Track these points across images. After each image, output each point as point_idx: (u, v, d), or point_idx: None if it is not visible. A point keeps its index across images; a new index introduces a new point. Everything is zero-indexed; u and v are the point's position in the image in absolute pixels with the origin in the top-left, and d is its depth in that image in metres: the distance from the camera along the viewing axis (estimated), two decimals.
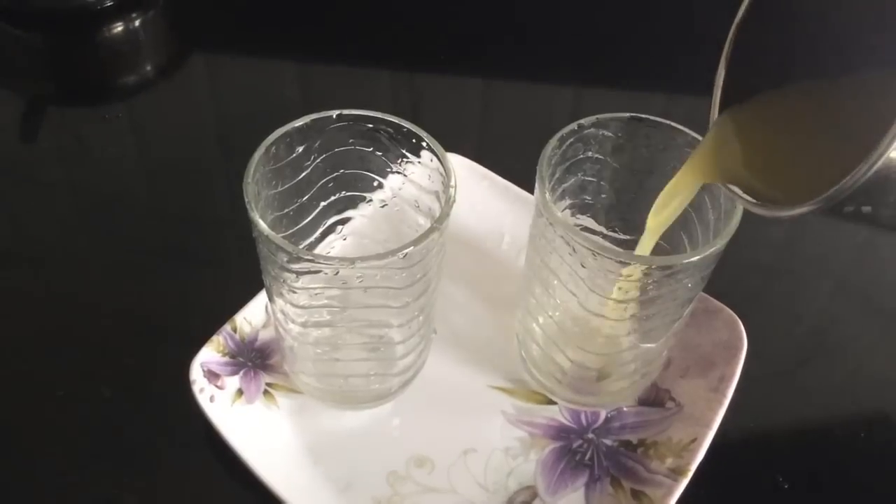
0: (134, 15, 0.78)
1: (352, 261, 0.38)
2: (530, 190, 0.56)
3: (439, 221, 0.40)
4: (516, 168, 0.57)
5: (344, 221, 0.49)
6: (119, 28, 0.78)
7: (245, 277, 0.53)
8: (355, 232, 0.49)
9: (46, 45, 0.80)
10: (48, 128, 0.72)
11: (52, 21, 0.79)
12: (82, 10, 0.78)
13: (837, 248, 0.62)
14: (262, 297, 0.52)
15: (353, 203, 0.49)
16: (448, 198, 0.41)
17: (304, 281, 0.41)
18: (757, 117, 0.38)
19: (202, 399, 0.47)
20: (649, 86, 0.71)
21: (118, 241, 0.62)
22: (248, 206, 0.39)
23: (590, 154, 0.45)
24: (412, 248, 0.39)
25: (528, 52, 0.78)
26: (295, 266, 0.39)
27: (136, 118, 0.72)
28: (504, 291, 0.55)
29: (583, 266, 0.40)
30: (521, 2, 0.85)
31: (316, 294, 0.42)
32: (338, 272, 0.39)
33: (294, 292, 0.42)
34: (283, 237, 0.40)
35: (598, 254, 0.40)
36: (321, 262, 0.38)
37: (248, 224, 0.39)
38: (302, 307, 0.42)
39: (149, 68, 0.79)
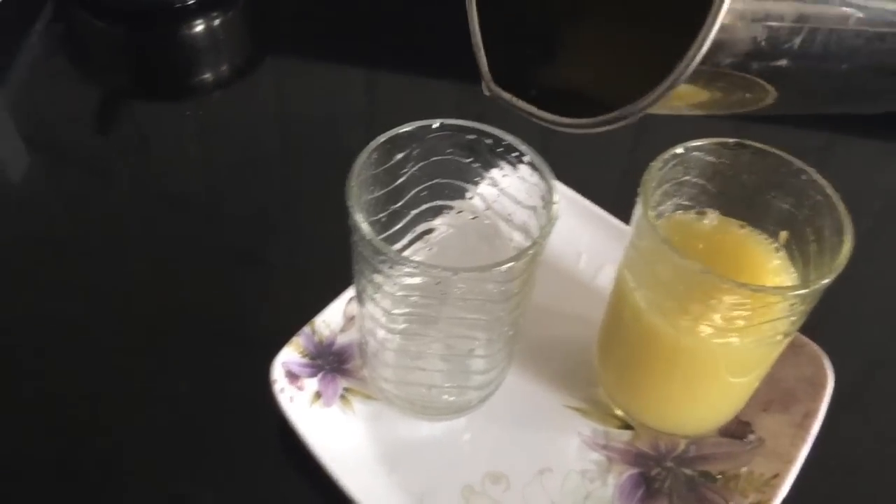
0: (214, 14, 0.78)
1: (455, 271, 0.37)
2: (604, 207, 0.57)
3: (542, 237, 0.39)
4: (586, 183, 0.57)
5: (431, 230, 0.48)
6: (200, 27, 0.78)
7: (321, 281, 0.54)
8: (442, 242, 0.49)
9: (128, 39, 0.80)
10: (123, 121, 0.73)
11: (135, 15, 0.80)
12: (165, 6, 0.79)
13: None
14: (340, 301, 0.53)
15: (443, 213, 0.48)
16: (550, 214, 0.40)
17: (401, 288, 0.40)
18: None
19: (282, 399, 0.47)
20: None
21: (197, 241, 0.62)
22: (350, 209, 0.39)
23: (689, 178, 0.44)
24: (514, 262, 0.39)
25: None
26: (395, 272, 0.38)
27: (209, 117, 0.72)
28: (581, 310, 0.55)
29: (682, 289, 0.39)
30: None
31: (411, 301, 0.41)
32: (439, 282, 0.38)
33: (388, 298, 0.41)
34: None
35: (701, 275, 0.39)
36: (424, 270, 0.37)
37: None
38: (394, 314, 0.42)
39: (224, 68, 0.79)
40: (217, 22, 0.78)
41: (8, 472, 0.47)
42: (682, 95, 0.28)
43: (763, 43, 0.27)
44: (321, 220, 0.62)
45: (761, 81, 0.29)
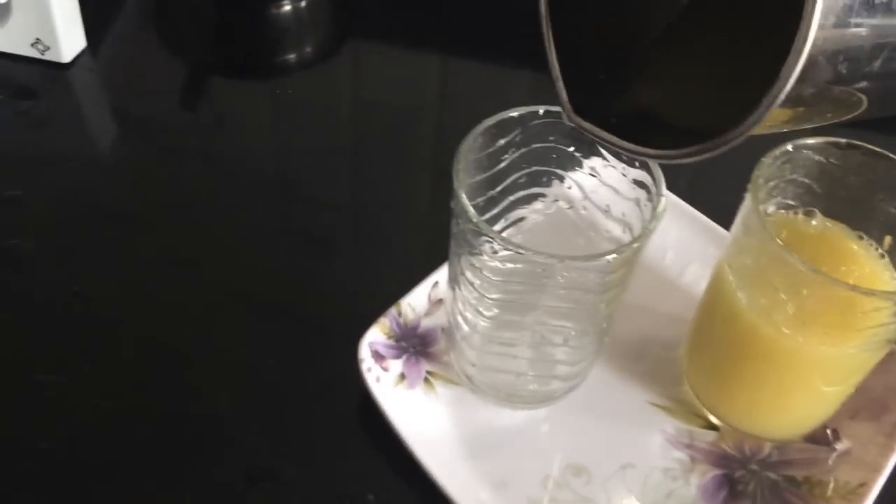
0: None
1: (560, 258, 0.37)
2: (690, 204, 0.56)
3: (649, 230, 0.38)
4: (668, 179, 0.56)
5: (523, 218, 0.48)
6: (287, 7, 0.78)
7: (401, 266, 0.55)
8: (534, 230, 0.48)
9: (216, 16, 0.80)
10: (206, 97, 0.73)
11: None
12: None
13: None
14: (424, 285, 0.52)
15: (538, 200, 0.48)
16: (657, 207, 0.39)
17: (500, 273, 0.39)
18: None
19: (369, 378, 0.47)
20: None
21: (277, 221, 0.63)
22: (456, 193, 0.39)
23: (795, 177, 0.43)
24: (619, 254, 0.38)
25: None
26: (496, 257, 0.38)
27: (290, 98, 0.72)
28: (667, 307, 0.54)
29: (789, 289, 0.38)
30: None
31: (509, 288, 0.40)
32: (542, 269, 0.37)
33: (486, 283, 0.41)
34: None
35: (811, 275, 0.38)
36: (529, 256, 0.37)
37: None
38: (490, 299, 0.41)
39: (308, 49, 0.79)
40: (304, 3, 0.78)
41: (98, 439, 0.48)
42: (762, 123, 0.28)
43: (844, 70, 0.27)
44: (400, 204, 0.63)
45: (843, 98, 0.28)
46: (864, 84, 0.28)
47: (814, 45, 0.25)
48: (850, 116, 0.30)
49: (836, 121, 0.30)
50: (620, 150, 0.34)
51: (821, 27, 0.25)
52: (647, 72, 0.35)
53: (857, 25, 0.26)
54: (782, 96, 0.26)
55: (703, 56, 0.33)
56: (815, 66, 0.26)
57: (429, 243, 0.59)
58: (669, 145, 0.32)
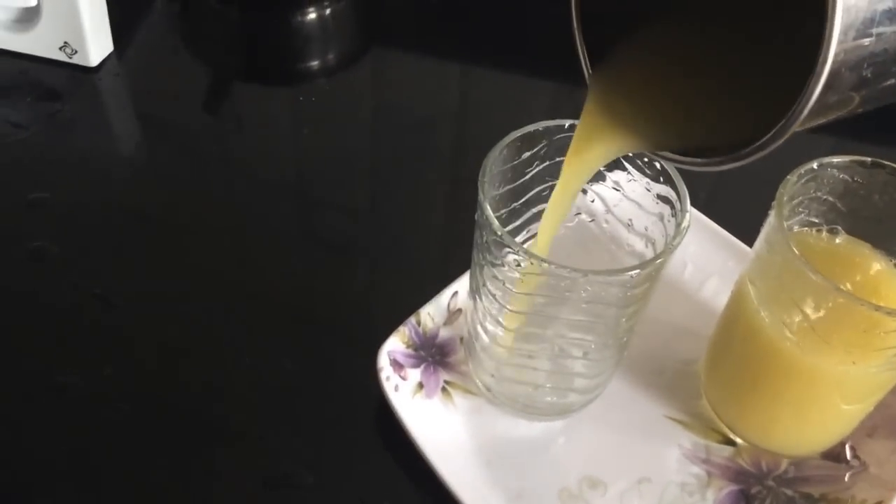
0: (327, 3, 0.78)
1: (584, 272, 0.37)
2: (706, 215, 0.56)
3: (674, 245, 0.38)
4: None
5: None
6: (311, 14, 0.78)
7: (419, 276, 0.55)
8: (557, 243, 0.48)
9: (241, 21, 0.81)
10: (229, 102, 0.73)
11: None
12: None
13: None
14: (444, 295, 0.52)
15: None
16: (681, 222, 0.39)
17: (524, 285, 0.39)
18: (642, 60, 0.35)
19: (388, 387, 0.47)
20: None
21: (297, 228, 0.63)
22: (481, 204, 0.39)
23: (820, 194, 0.42)
24: (643, 269, 0.39)
25: None
26: (521, 270, 0.38)
27: (312, 104, 0.73)
28: (685, 321, 0.54)
29: (813, 307, 0.38)
30: None
31: (531, 300, 0.40)
32: (565, 282, 0.37)
33: (508, 295, 0.40)
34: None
35: (835, 293, 0.38)
36: (552, 269, 0.37)
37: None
38: (513, 311, 0.41)
39: (331, 56, 0.79)
40: (328, 10, 0.78)
41: (116, 441, 0.48)
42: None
43: (869, 74, 0.27)
44: (419, 213, 0.63)
45: (872, 96, 0.28)
46: (890, 82, 0.27)
47: (834, 61, 0.25)
48: (881, 104, 0.30)
49: (862, 111, 0.30)
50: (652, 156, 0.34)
51: (840, 43, 0.24)
52: (673, 85, 0.35)
53: (881, 35, 0.25)
54: (802, 117, 0.26)
55: (725, 72, 0.33)
56: (839, 77, 0.26)
57: (448, 252, 0.59)
58: (691, 153, 0.33)
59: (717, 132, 0.32)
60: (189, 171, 0.65)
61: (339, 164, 0.67)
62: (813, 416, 0.45)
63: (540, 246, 0.41)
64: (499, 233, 0.37)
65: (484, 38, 0.79)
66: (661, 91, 0.34)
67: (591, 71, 0.36)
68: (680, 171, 0.41)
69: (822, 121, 0.28)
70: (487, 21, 0.81)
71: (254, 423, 0.49)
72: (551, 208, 0.40)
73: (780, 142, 0.28)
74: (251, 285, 0.57)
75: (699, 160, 0.32)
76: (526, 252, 0.37)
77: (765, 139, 0.28)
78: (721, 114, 0.32)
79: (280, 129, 0.70)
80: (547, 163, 0.45)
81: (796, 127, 0.27)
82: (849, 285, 0.40)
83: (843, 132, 0.66)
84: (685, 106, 0.33)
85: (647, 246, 0.44)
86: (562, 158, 0.43)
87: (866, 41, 0.25)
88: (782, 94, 0.27)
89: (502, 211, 0.45)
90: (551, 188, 0.44)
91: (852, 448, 0.48)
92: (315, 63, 0.78)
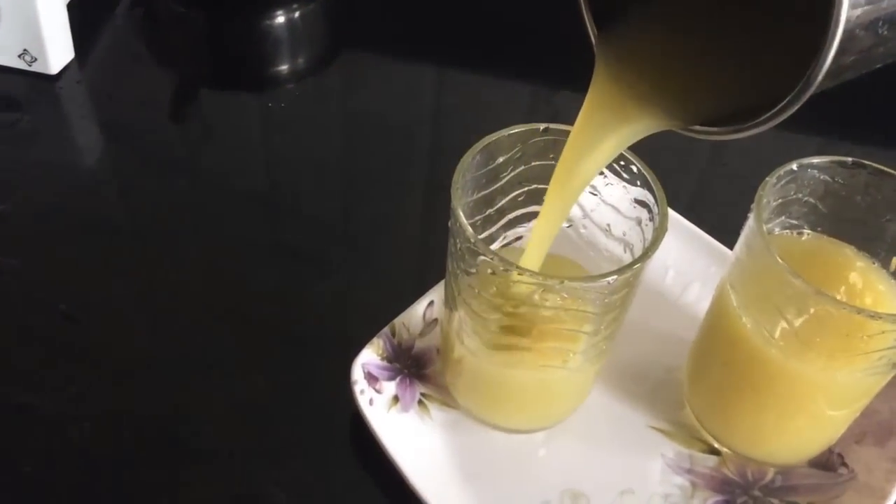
0: (295, 6, 0.78)
1: (560, 280, 0.37)
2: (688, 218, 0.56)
3: (652, 250, 0.38)
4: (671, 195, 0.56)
5: (522, 237, 0.48)
6: (280, 18, 0.78)
7: (394, 285, 0.55)
8: None
9: (207, 26, 0.80)
10: (195, 110, 0.73)
11: (216, 3, 0.80)
12: None
13: None
14: (420, 304, 0.52)
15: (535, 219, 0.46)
16: (659, 226, 0.39)
17: (500, 294, 0.39)
18: (653, 29, 0.35)
19: (362, 401, 0.47)
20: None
21: (268, 238, 0.63)
22: (454, 211, 0.39)
23: (799, 196, 0.43)
24: (620, 275, 0.38)
25: None
26: (497, 278, 0.38)
27: (281, 111, 0.72)
28: (668, 328, 0.54)
29: (794, 312, 0.38)
30: None
31: (510, 310, 0.40)
32: (541, 290, 0.37)
33: (484, 304, 0.40)
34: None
35: (816, 297, 0.38)
36: (529, 277, 0.37)
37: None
38: (487, 320, 0.41)
39: (300, 61, 0.79)
40: (297, 13, 0.78)
41: (81, 462, 0.48)
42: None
43: (885, 32, 0.27)
44: (393, 221, 0.63)
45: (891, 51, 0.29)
46: None
47: (847, 22, 0.25)
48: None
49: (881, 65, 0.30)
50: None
51: (853, 6, 0.25)
52: (685, 50, 0.35)
53: None
54: (818, 81, 0.27)
55: (740, 36, 0.33)
56: (853, 39, 0.26)
57: (423, 260, 0.59)
58: (707, 123, 0.33)
59: (734, 99, 0.32)
60: (155, 181, 0.65)
61: (310, 171, 0.67)
62: (798, 422, 0.45)
63: (531, 257, 0.41)
64: (472, 240, 0.37)
65: (458, 41, 0.80)
66: (676, 59, 0.34)
67: (597, 40, 0.36)
68: (657, 173, 0.41)
69: (842, 79, 0.28)
70: (462, 23, 0.81)
71: (223, 441, 0.49)
72: (545, 216, 0.41)
73: (798, 106, 0.28)
74: (220, 298, 0.56)
75: (714, 129, 0.33)
76: (501, 260, 0.37)
77: (782, 104, 0.28)
78: (738, 79, 0.33)
79: (249, 137, 0.70)
80: (522, 167, 0.44)
81: (814, 90, 0.27)
82: (831, 289, 0.40)
83: (829, 131, 0.67)
84: (701, 73, 0.34)
85: (625, 251, 0.44)
86: (538, 163, 0.43)
87: (884, 2, 0.26)
88: (800, 56, 0.27)
89: (477, 217, 0.45)
90: (526, 194, 0.44)
91: (840, 455, 0.48)
92: (284, 68, 0.78)
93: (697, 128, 0.33)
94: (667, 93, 0.35)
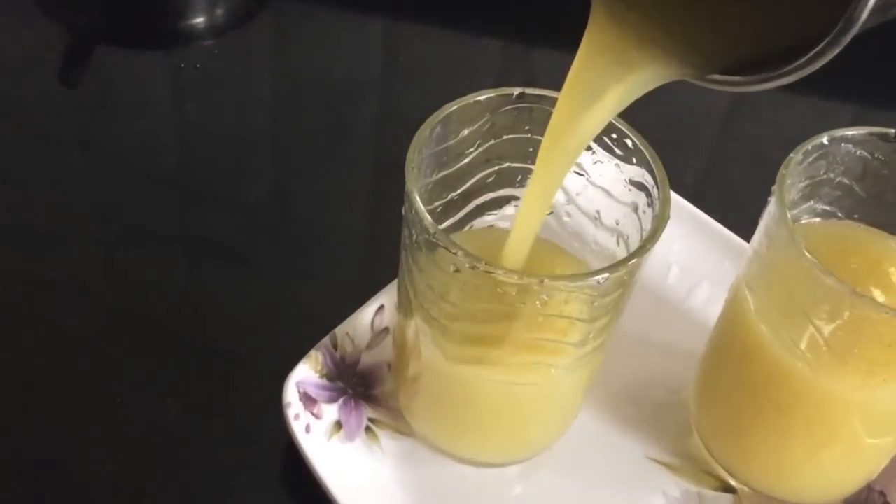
0: None
1: (539, 278, 0.37)
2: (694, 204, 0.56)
3: (650, 242, 0.38)
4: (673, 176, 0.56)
5: (493, 227, 0.48)
6: None
7: (336, 287, 0.55)
8: None
9: None
10: (93, 72, 0.72)
11: None
12: None
13: None
14: (367, 309, 0.52)
15: (511, 204, 0.47)
16: (660, 213, 0.39)
17: (467, 297, 0.39)
18: None
19: (297, 428, 0.47)
20: None
21: (181, 230, 0.62)
22: (409, 195, 0.39)
23: (831, 176, 0.43)
24: (611, 273, 0.38)
25: None
26: (462, 277, 0.37)
27: (198, 73, 0.72)
28: (670, 338, 0.54)
29: (826, 317, 0.38)
30: None
31: (475, 315, 0.40)
32: (516, 292, 0.37)
33: (446, 308, 0.40)
34: None
35: (853, 299, 0.37)
36: (503, 276, 0.37)
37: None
38: (450, 328, 0.41)
39: (219, 12, 0.78)
40: None
41: None
42: None
43: None
44: (334, 209, 0.63)
45: None
46: None
47: None
48: None
49: None
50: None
51: None
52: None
53: None
54: (864, 16, 0.26)
55: None
56: None
57: (371, 256, 0.59)
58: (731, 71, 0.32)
59: (760, 39, 0.32)
60: (42, 158, 0.64)
61: (232, 148, 0.66)
62: (831, 453, 0.45)
63: (514, 251, 0.42)
64: (431, 230, 0.37)
65: None
66: None
67: None
68: (658, 148, 0.40)
69: (891, 16, 0.28)
70: None
71: (131, 476, 0.48)
72: (531, 196, 0.40)
73: (839, 48, 0.28)
74: (121, 303, 0.56)
75: (737, 79, 0.32)
76: (466, 254, 0.36)
77: (820, 46, 0.28)
78: (764, 14, 0.32)
79: (156, 106, 0.69)
80: (491, 141, 0.44)
81: (859, 27, 0.27)
82: (870, 289, 0.39)
83: (866, 98, 0.67)
84: (720, 6, 0.33)
85: (618, 244, 0.44)
86: (510, 136, 0.42)
87: None
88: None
89: (437, 203, 0.45)
90: (498, 174, 0.44)
91: (882, 494, 0.49)
92: (200, 21, 0.77)
93: (717, 77, 0.33)
94: (679, 33, 0.34)
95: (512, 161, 0.45)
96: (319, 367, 0.49)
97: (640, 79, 0.35)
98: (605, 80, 0.36)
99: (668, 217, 0.39)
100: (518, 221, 0.41)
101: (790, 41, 0.29)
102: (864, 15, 0.26)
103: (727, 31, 0.33)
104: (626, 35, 0.35)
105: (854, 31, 0.27)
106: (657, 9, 0.34)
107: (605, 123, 0.38)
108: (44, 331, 0.54)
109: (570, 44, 0.36)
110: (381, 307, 0.51)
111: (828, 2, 0.27)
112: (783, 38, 0.30)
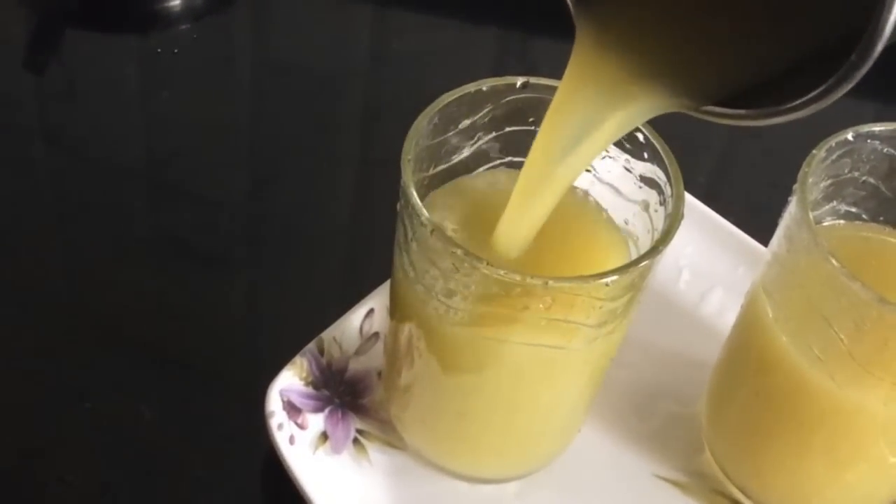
0: None
1: (543, 280, 0.37)
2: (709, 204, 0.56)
3: (664, 242, 0.38)
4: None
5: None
6: None
7: (324, 289, 0.55)
8: None
9: None
10: (60, 57, 0.72)
11: None
12: None
13: None
14: (356, 313, 0.52)
15: None
16: (673, 211, 0.39)
17: (468, 299, 0.39)
18: None
19: (280, 439, 0.47)
20: None
21: (158, 229, 0.62)
22: (404, 191, 0.39)
23: (856, 175, 0.43)
24: (622, 275, 0.38)
25: None
26: (465, 279, 0.37)
27: (172, 59, 0.72)
28: (680, 347, 0.54)
29: (851, 326, 0.38)
30: None
31: (479, 320, 0.40)
32: (519, 294, 0.37)
33: (444, 311, 0.41)
34: None
35: (880, 307, 0.38)
36: (503, 276, 0.36)
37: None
38: (447, 336, 0.41)
39: None
40: None
41: None
42: None
43: None
44: (320, 206, 0.63)
45: None
46: None
47: None
48: None
49: None
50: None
51: None
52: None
53: None
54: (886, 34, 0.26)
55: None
56: None
57: (361, 256, 0.59)
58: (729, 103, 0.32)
59: (763, 68, 0.32)
60: (4, 150, 0.64)
61: (209, 140, 0.66)
62: (855, 472, 0.45)
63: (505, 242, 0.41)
64: (429, 227, 0.37)
65: None
66: (683, 15, 0.34)
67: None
68: (671, 143, 0.40)
69: None
70: None
71: (103, 496, 0.48)
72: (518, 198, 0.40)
73: (859, 75, 0.27)
74: (88, 307, 0.56)
75: (737, 112, 0.32)
76: (466, 253, 0.36)
77: (836, 76, 0.27)
78: (768, 39, 0.32)
79: (128, 94, 0.69)
80: (494, 133, 0.45)
81: (882, 43, 0.26)
82: None
83: (888, 96, 0.67)
84: (716, 31, 0.33)
85: (628, 244, 0.45)
86: (513, 128, 0.43)
87: None
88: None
89: None
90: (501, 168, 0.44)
91: None
92: (176, 2, 0.77)
93: (714, 109, 0.33)
94: (670, 63, 0.34)
95: (515, 155, 0.46)
96: (304, 375, 0.49)
97: (627, 114, 0.35)
98: (588, 119, 0.36)
99: (682, 216, 0.39)
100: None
101: (800, 67, 0.29)
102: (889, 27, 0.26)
103: (723, 60, 0.33)
104: (611, 67, 0.35)
105: (876, 51, 0.26)
106: (653, 35, 0.34)
107: (590, 162, 0.39)
108: (2, 333, 0.54)
109: (571, 32, 0.36)
110: (371, 311, 0.52)
111: (838, 23, 0.27)
112: (787, 61, 0.29)
